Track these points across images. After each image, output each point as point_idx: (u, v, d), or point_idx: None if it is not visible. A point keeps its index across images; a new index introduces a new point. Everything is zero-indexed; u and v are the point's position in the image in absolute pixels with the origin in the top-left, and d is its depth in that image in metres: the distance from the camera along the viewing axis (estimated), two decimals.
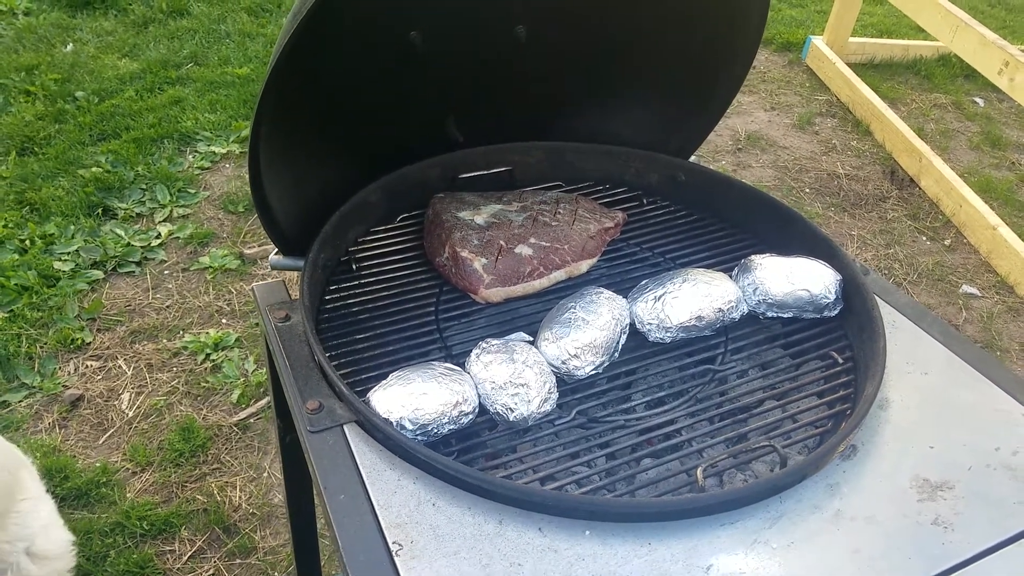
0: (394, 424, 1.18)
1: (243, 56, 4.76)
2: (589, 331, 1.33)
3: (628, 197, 1.85)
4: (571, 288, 1.58)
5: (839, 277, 1.48)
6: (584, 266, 1.61)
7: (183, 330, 3.09)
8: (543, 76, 1.71)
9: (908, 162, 4.18)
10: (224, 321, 3.13)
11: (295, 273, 1.51)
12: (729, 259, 1.64)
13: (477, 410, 1.23)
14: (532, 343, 1.34)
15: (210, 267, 3.38)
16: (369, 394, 1.23)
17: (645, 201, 1.84)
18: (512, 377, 1.23)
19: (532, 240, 1.57)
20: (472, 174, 1.80)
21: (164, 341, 3.05)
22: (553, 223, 1.62)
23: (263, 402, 2.83)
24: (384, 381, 1.24)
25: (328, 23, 1.29)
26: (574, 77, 1.76)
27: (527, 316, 1.51)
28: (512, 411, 1.23)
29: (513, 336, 1.35)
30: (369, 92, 1.57)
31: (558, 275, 1.58)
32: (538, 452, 1.25)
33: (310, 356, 1.32)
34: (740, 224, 1.74)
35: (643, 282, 1.49)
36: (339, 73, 1.48)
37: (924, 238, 3.80)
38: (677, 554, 1.06)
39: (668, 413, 1.32)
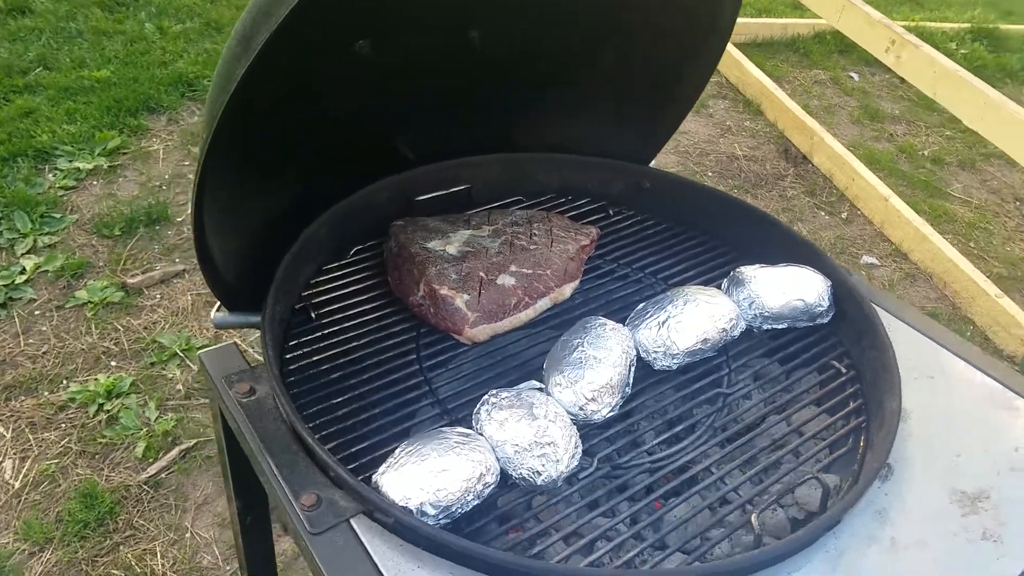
0: (415, 512, 1.02)
1: (100, 57, 4.29)
2: (603, 370, 1.22)
3: (593, 209, 1.75)
4: (555, 316, 1.46)
5: (829, 283, 1.44)
6: (568, 290, 1.49)
7: (67, 379, 2.73)
8: (498, 84, 1.57)
9: (800, 140, 4.31)
10: (114, 364, 2.79)
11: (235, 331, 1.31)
12: (713, 272, 1.57)
13: (499, 478, 1.10)
14: (543, 390, 1.21)
15: (89, 302, 3.00)
16: (376, 477, 1.07)
17: (611, 212, 1.74)
18: (537, 436, 1.11)
19: (513, 268, 1.44)
20: (429, 196, 1.64)
21: (46, 394, 2.68)
22: (531, 246, 1.49)
23: (174, 453, 2.55)
24: (392, 459, 1.08)
25: (273, 61, 1.09)
26: (530, 84, 1.63)
27: (518, 354, 1.38)
28: (540, 474, 1.10)
29: (523, 386, 1.21)
30: (314, 117, 1.37)
31: (543, 303, 1.45)
32: (553, 505, 1.14)
33: (291, 437, 1.14)
34: (712, 231, 1.68)
35: (640, 306, 1.39)
36: (284, 104, 1.28)
37: (823, 213, 3.93)
38: None
39: (690, 450, 1.23)
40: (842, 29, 3.86)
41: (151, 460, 2.51)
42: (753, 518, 1.07)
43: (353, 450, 1.17)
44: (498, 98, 1.60)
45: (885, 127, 4.72)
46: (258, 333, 1.30)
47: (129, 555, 2.31)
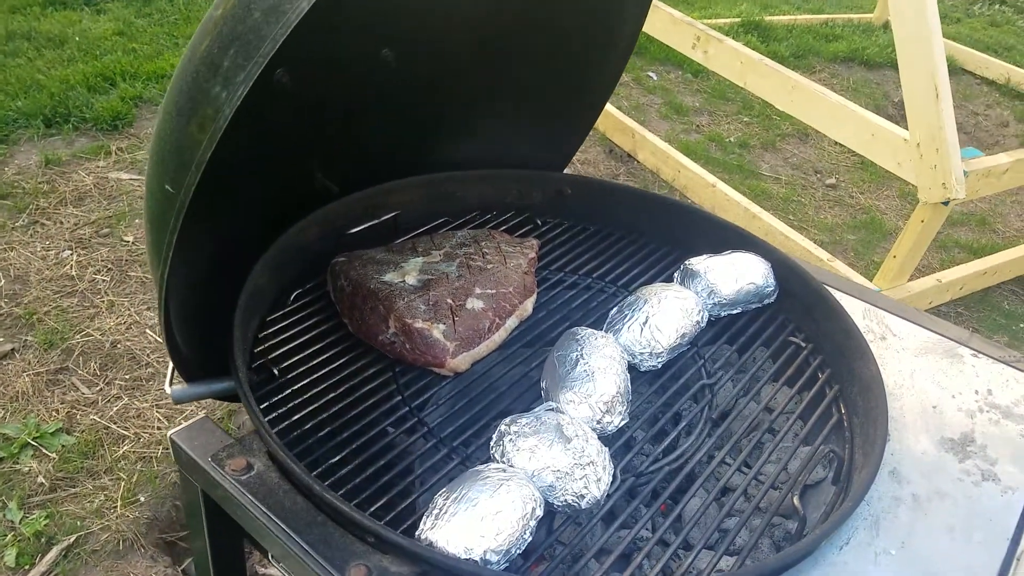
0: (479, 561, 0.95)
1: None
2: (610, 378, 1.20)
3: (521, 221, 1.72)
4: (523, 334, 1.42)
5: (769, 264, 1.52)
6: (529, 305, 1.46)
7: None
8: (412, 105, 1.50)
9: (623, 139, 4.53)
10: None
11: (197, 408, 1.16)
12: (656, 268, 1.61)
13: (544, 509, 1.05)
14: (557, 410, 1.17)
15: None
16: (424, 533, 0.98)
17: (539, 222, 1.73)
18: (576, 459, 1.07)
19: (478, 290, 1.39)
20: (360, 228, 1.54)
21: None
22: (487, 266, 1.44)
23: (53, 553, 2.20)
24: (435, 510, 1.00)
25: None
26: (444, 102, 1.58)
27: (502, 376, 1.33)
28: (583, 497, 1.06)
29: (538, 409, 1.17)
30: (239, 168, 1.24)
31: (511, 322, 1.41)
32: (573, 525, 1.11)
33: (311, 508, 1.02)
34: (640, 229, 1.71)
35: (613, 312, 1.39)
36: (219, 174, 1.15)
37: None
38: None
39: (700, 446, 1.25)
40: (648, 31, 4.11)
41: (27, 567, 2.15)
42: (795, 500, 1.10)
43: (377, 506, 1.06)
44: (413, 119, 1.54)
45: (691, 119, 5.09)
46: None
47: None
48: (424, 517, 1.00)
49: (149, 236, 1.09)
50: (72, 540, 2.21)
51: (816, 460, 1.19)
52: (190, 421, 1.13)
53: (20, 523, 2.26)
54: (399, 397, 1.27)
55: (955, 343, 1.43)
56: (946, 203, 2.97)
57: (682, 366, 1.39)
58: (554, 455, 1.07)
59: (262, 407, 1.20)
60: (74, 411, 2.53)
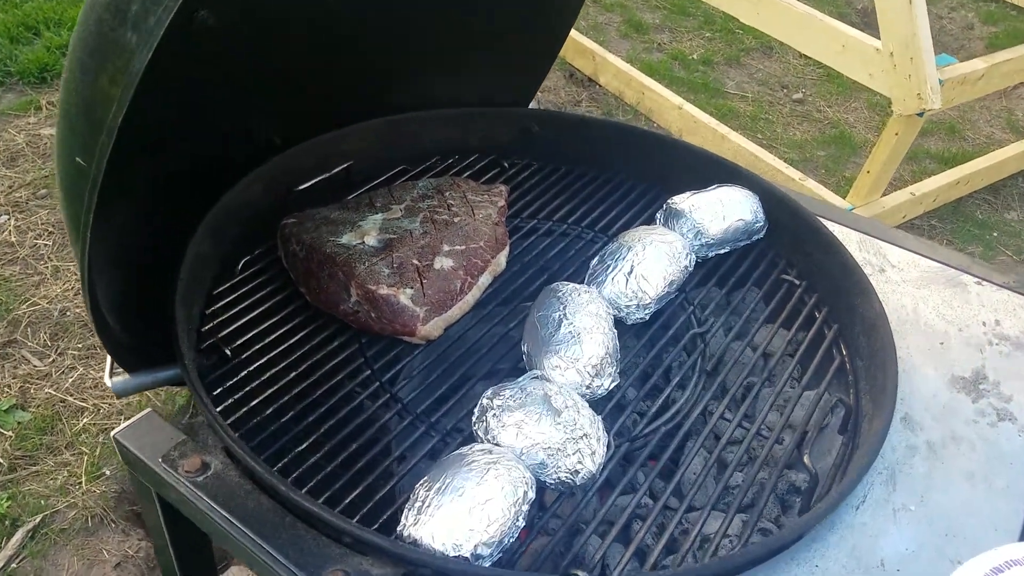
0: (471, 558, 0.86)
1: None
2: (597, 338, 1.10)
3: (486, 164, 1.59)
4: (498, 291, 1.31)
5: (757, 197, 1.41)
6: (503, 259, 1.34)
7: None
8: (359, 44, 1.34)
9: (583, 63, 4.34)
10: None
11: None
12: (636, 208, 1.49)
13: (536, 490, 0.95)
14: (542, 377, 1.07)
15: None
16: (408, 529, 0.88)
17: (506, 164, 1.59)
18: (569, 432, 0.97)
19: (446, 248, 1.26)
20: (310, 183, 1.40)
21: None
22: (454, 219, 1.31)
23: (20, 535, 2.09)
24: (417, 503, 0.90)
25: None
26: (394, 39, 1.42)
27: (478, 340, 1.22)
28: (578, 473, 0.97)
29: (522, 378, 1.06)
30: (164, 126, 1.08)
31: (485, 279, 1.29)
32: (569, 498, 1.02)
33: (280, 509, 0.91)
34: (616, 166, 1.59)
35: (594, 262, 1.28)
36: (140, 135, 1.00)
37: None
38: (842, 557, 0.93)
39: (693, 401, 1.16)
40: None
41: None
42: (806, 458, 1.02)
43: (352, 497, 0.96)
44: (361, 60, 1.38)
45: (652, 37, 4.90)
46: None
47: None
48: (406, 511, 0.90)
49: (64, 210, 0.95)
50: (38, 520, 2.10)
51: (822, 411, 1.10)
52: (136, 417, 1.01)
53: None
54: (368, 371, 1.16)
55: (957, 271, 1.34)
56: (921, 114, 2.88)
57: (671, 315, 1.29)
58: (543, 430, 0.97)
59: (215, 393, 1.08)
60: (27, 385, 2.39)
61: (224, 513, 0.91)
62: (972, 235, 3.39)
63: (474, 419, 1.02)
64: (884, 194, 3.19)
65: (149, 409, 1.03)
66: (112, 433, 1.00)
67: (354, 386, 1.13)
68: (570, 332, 1.10)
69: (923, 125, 3.00)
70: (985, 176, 3.58)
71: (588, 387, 1.07)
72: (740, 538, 1.03)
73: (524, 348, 1.14)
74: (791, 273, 1.37)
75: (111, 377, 1.07)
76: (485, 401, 1.02)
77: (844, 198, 3.18)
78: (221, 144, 1.27)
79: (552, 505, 1.03)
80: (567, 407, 0.99)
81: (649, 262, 1.24)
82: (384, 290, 1.17)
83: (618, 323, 1.22)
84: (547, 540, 1.03)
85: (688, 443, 1.18)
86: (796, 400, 1.16)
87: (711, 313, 1.31)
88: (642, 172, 1.56)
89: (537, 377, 1.06)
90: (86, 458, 2.21)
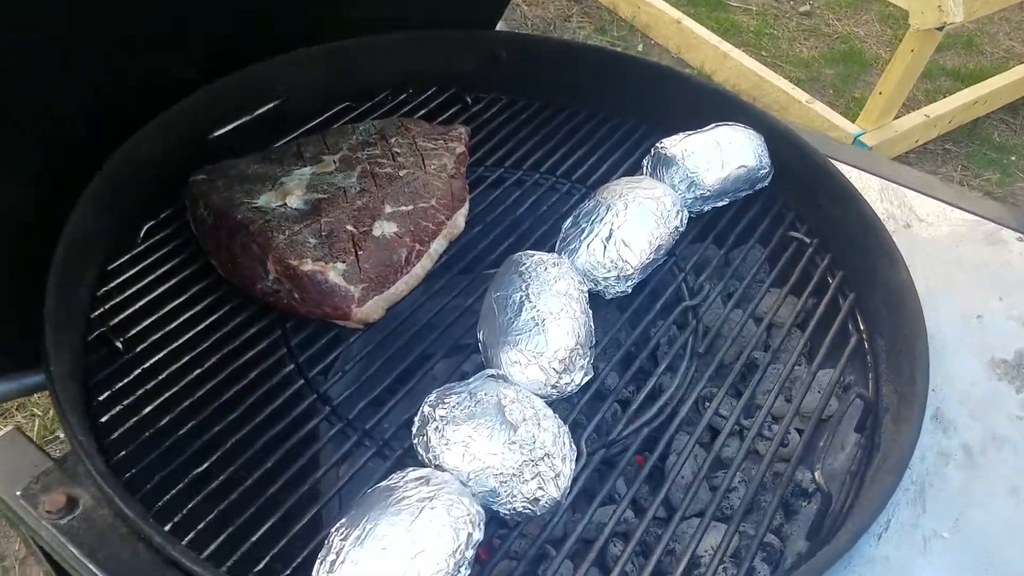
0: None
1: None
2: (566, 325, 0.90)
3: (445, 100, 1.35)
4: (456, 258, 1.10)
5: (761, 137, 1.19)
6: (461, 219, 1.13)
7: None
8: None
9: None
10: None
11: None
12: (619, 152, 1.27)
13: (485, 525, 0.77)
14: (498, 376, 0.87)
15: None
16: None
17: (468, 100, 1.36)
18: (526, 454, 0.78)
19: (388, 208, 1.05)
20: (228, 127, 1.17)
21: None
22: (399, 172, 1.09)
23: None
24: (330, 555, 0.71)
25: None
26: None
27: (428, 323, 1.02)
28: (539, 501, 0.78)
29: (473, 379, 0.86)
30: (32, 68, 0.86)
31: (438, 246, 1.08)
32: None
33: (158, 560, 0.73)
34: (597, 100, 1.35)
35: (567, 224, 1.07)
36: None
37: (619, 49, 3.72)
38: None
39: (687, 392, 0.97)
40: None
41: None
42: (817, 475, 0.83)
43: (253, 540, 0.78)
44: None
45: None
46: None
47: None
48: (316, 565, 0.71)
49: None
50: None
51: (837, 416, 0.91)
52: None
53: None
54: (291, 365, 0.96)
55: (996, 225, 1.14)
56: (940, 28, 2.60)
57: (659, 283, 1.08)
58: (495, 450, 0.78)
59: (101, 399, 0.89)
60: None
61: (89, 566, 0.73)
62: (988, 159, 3.15)
63: (414, 431, 0.83)
64: (896, 117, 2.94)
65: (11, 427, 0.84)
66: None
67: (272, 385, 0.93)
68: (533, 318, 0.89)
69: (939, 40, 2.73)
70: (1004, 95, 3.31)
71: (554, 386, 0.88)
72: (737, 561, 0.86)
73: (479, 336, 0.94)
74: (800, 229, 1.16)
75: None
76: (427, 409, 0.83)
77: (854, 122, 2.92)
78: (124, 86, 1.04)
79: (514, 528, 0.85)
80: (525, 419, 0.80)
81: (632, 224, 1.02)
82: (309, 265, 0.96)
83: (595, 298, 1.02)
84: (509, 566, 0.86)
85: (678, 441, 1.00)
86: (807, 385, 0.97)
87: (707, 279, 1.11)
88: (628, 108, 1.33)
89: (492, 377, 0.86)
90: None
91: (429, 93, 1.35)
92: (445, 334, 1.01)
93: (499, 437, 0.79)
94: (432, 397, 0.84)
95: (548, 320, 0.89)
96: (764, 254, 1.15)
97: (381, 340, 1.00)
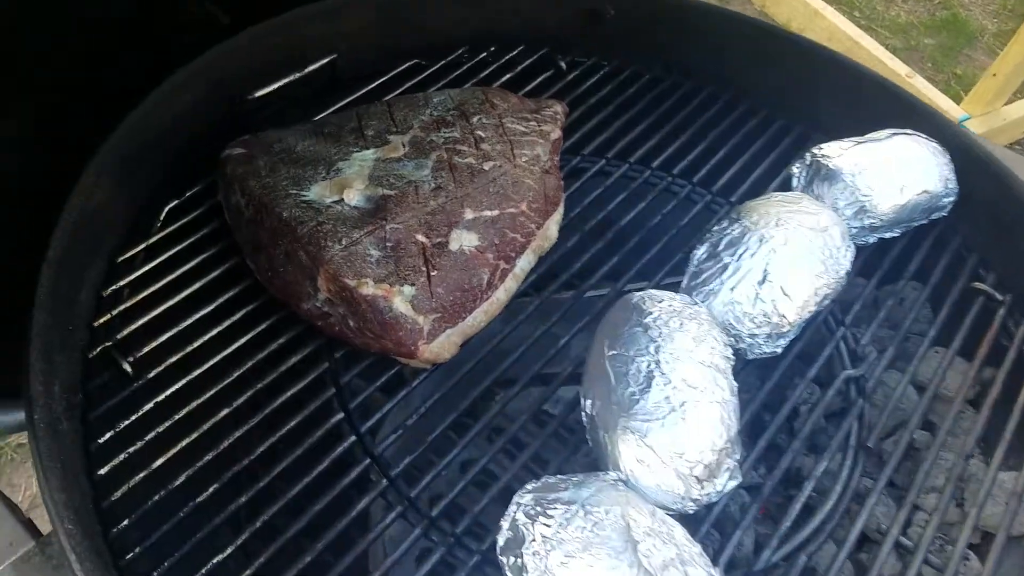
0: None
1: None
2: (712, 412, 0.67)
3: (533, 64, 1.10)
4: (543, 280, 0.88)
5: (947, 155, 0.94)
6: (553, 229, 0.89)
7: None
8: None
9: None
10: None
11: None
12: (766, 155, 1.02)
13: None
14: (619, 481, 0.65)
15: None
16: None
17: (563, 64, 1.11)
18: None
19: (469, 214, 0.81)
20: (273, 86, 0.94)
21: None
22: (484, 164, 0.86)
23: None
24: None
25: None
26: None
27: (514, 356, 0.80)
28: None
29: (580, 479, 0.64)
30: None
31: (525, 263, 0.85)
32: None
33: None
34: (728, 78, 1.10)
35: (699, 252, 0.83)
36: None
37: None
38: None
39: (851, 497, 0.75)
40: None
41: None
42: None
43: None
44: None
45: None
46: None
47: None
48: None
49: None
50: None
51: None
52: None
53: None
54: (340, 413, 0.75)
55: None
56: None
57: (810, 339, 0.85)
58: None
59: (101, 442, 0.69)
60: None
61: None
62: None
63: (501, 542, 0.62)
64: (1007, 102, 2.62)
65: None
66: None
67: (316, 440, 0.72)
68: (667, 399, 0.67)
69: None
70: None
71: (693, 499, 0.66)
72: None
73: (585, 404, 0.72)
74: (987, 279, 0.92)
75: None
76: (521, 519, 0.61)
77: (958, 103, 2.61)
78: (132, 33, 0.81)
79: None
80: (666, 565, 0.58)
81: (793, 264, 0.78)
82: (370, 288, 0.73)
83: (733, 354, 0.79)
84: None
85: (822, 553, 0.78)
86: (987, 491, 0.75)
87: (870, 341, 0.87)
88: (767, 92, 1.08)
89: (612, 484, 0.64)
90: None
91: (515, 53, 1.10)
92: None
93: (624, 566, 0.57)
94: (528, 500, 0.63)
95: (689, 405, 0.67)
96: (941, 316, 0.89)
97: (452, 387, 0.78)
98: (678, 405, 0.66)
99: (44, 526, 0.65)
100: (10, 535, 0.61)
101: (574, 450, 0.75)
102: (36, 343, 0.67)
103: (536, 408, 0.79)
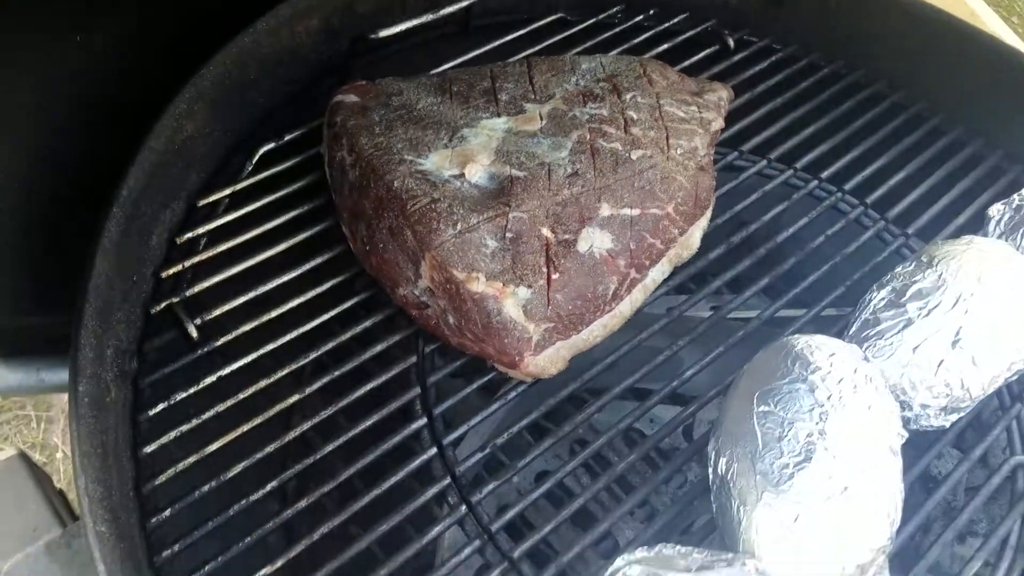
0: None
1: None
2: (881, 506, 0.54)
3: (698, 36, 0.95)
4: (677, 290, 0.75)
5: None
6: (696, 236, 0.76)
7: None
8: None
9: None
10: None
11: None
12: (947, 177, 0.86)
13: None
14: (756, 571, 0.53)
15: None
16: None
17: (731, 42, 0.96)
18: None
19: (606, 209, 0.69)
20: (398, 27, 0.82)
21: None
22: (632, 153, 0.72)
23: None
24: None
25: None
26: None
27: (626, 378, 0.68)
28: None
29: (711, 567, 0.52)
30: None
31: (657, 275, 0.73)
32: None
33: None
34: (922, 86, 0.93)
35: (875, 298, 0.68)
36: None
37: None
38: None
39: None
40: None
41: None
42: None
43: None
44: None
45: None
46: None
47: None
48: None
49: None
50: None
51: None
52: None
53: None
54: (422, 419, 0.64)
55: None
56: None
57: (976, 415, 0.70)
58: None
59: (152, 414, 0.60)
60: None
61: None
62: None
63: None
64: None
65: (14, 451, 0.56)
66: None
67: (390, 448, 0.62)
68: (830, 477, 0.53)
69: None
70: None
71: None
72: None
73: (717, 462, 0.59)
74: None
75: None
76: None
77: None
78: None
79: None
80: None
81: (990, 328, 0.64)
82: (480, 285, 0.62)
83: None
84: None
85: None
86: None
87: None
88: (966, 108, 0.91)
89: (736, 565, 0.52)
90: None
91: (676, 21, 0.96)
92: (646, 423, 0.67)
93: None
94: (637, 573, 0.51)
95: (854, 491, 0.53)
96: None
97: (555, 405, 0.67)
98: (841, 490, 0.53)
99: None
100: (35, 518, 0.52)
101: (665, 481, 0.65)
102: (92, 299, 0.58)
103: (627, 425, 0.67)
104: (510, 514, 0.62)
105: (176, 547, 0.56)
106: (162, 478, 0.58)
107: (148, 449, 0.59)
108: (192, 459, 0.59)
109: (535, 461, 0.64)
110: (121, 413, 0.59)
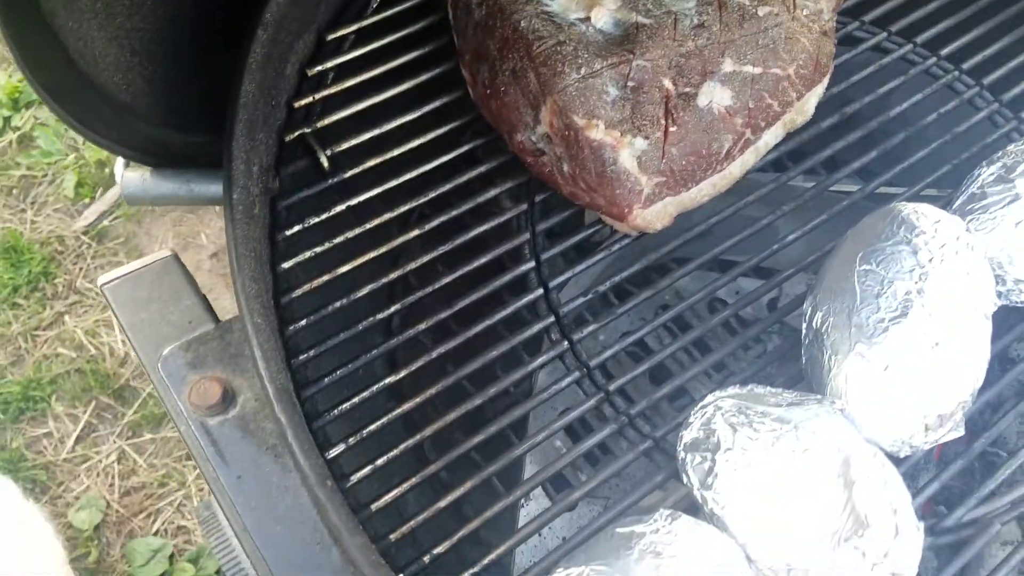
0: None
1: None
2: (969, 364, 0.57)
3: None
4: (777, 163, 0.76)
5: None
6: (812, 102, 0.76)
7: None
8: None
9: None
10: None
11: None
12: None
13: None
14: (837, 411, 0.57)
15: None
16: None
17: None
18: (870, 570, 0.50)
19: (728, 65, 0.69)
20: None
21: None
22: (759, 10, 0.72)
23: (116, 191, 1.89)
24: None
25: None
26: None
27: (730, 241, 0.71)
28: None
29: (800, 404, 0.56)
30: None
31: (771, 138, 0.74)
32: None
33: (313, 524, 0.52)
34: None
35: (982, 173, 0.68)
36: None
37: None
38: None
39: None
40: None
41: (87, 200, 1.87)
42: None
43: (459, 538, 0.56)
44: None
45: None
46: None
47: (78, 328, 1.79)
48: None
49: None
50: None
51: None
52: (139, 263, 0.60)
53: (84, 145, 1.92)
54: (531, 262, 0.69)
55: None
56: None
57: None
58: (823, 544, 0.51)
59: (288, 234, 0.66)
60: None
61: (235, 498, 0.53)
62: None
63: (687, 440, 0.56)
64: None
65: (168, 252, 0.61)
66: (99, 282, 0.60)
67: (501, 284, 0.67)
68: (924, 333, 0.57)
69: None
70: None
71: (912, 445, 0.57)
72: None
73: (813, 316, 0.62)
74: None
75: (126, 170, 0.65)
76: (720, 422, 0.55)
77: None
78: None
79: None
80: (878, 508, 0.51)
81: None
82: (599, 132, 0.64)
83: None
84: None
85: None
86: None
87: None
88: None
89: (828, 409, 0.56)
90: None
91: None
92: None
93: (832, 524, 0.51)
94: (729, 405, 0.56)
95: (944, 347, 0.56)
96: None
97: (657, 261, 0.70)
98: (932, 345, 0.57)
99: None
100: (189, 313, 0.59)
101: (744, 347, 0.69)
102: (242, 116, 0.62)
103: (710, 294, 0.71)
104: (607, 354, 0.67)
105: (311, 352, 0.62)
106: (298, 292, 0.64)
107: (285, 265, 0.65)
108: (325, 278, 0.64)
109: (622, 319, 0.69)
110: (263, 229, 0.64)
